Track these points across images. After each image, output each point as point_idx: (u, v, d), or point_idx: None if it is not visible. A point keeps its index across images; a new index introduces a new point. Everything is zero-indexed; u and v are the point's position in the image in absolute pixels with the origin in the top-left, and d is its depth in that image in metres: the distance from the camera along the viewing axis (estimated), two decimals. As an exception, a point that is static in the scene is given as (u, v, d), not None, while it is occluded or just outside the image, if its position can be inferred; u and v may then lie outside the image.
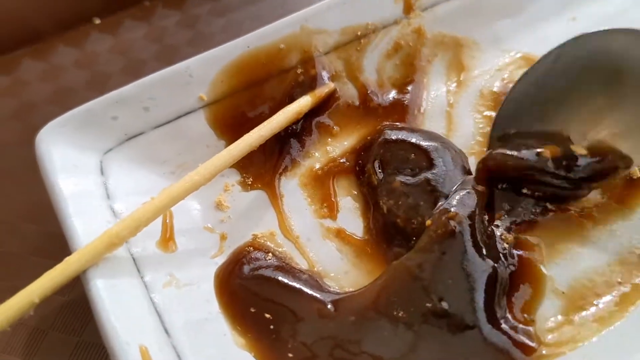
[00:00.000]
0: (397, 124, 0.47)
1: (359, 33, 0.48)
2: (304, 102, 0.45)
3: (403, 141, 0.43)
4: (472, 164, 0.44)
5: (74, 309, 0.43)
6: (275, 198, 0.44)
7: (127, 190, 0.42)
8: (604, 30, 0.42)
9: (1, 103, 0.55)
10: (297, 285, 0.39)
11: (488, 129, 0.46)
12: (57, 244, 0.46)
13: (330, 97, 0.47)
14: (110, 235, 0.36)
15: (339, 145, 0.46)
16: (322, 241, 0.42)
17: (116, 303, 0.35)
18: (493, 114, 0.47)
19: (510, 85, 0.48)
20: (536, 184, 0.40)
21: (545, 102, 0.43)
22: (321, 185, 0.44)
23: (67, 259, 0.35)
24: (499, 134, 0.44)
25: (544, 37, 0.50)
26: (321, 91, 0.46)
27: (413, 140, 0.43)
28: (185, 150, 0.45)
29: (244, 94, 0.46)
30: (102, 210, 0.40)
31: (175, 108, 0.45)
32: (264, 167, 0.45)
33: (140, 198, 0.41)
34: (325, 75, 0.47)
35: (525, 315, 0.37)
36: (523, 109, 0.44)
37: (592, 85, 0.42)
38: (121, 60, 0.57)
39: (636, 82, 0.41)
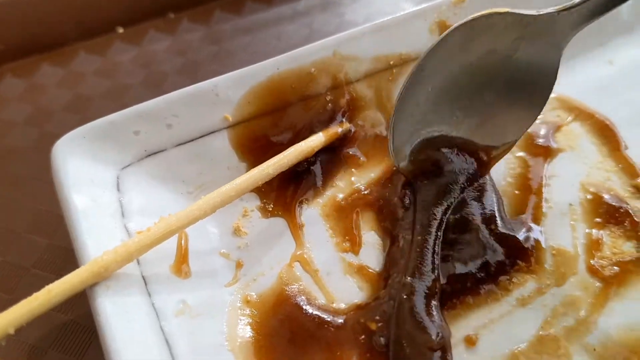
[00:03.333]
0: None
1: (391, 62, 0.47)
2: (316, 141, 0.43)
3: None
4: (506, 204, 0.42)
5: (75, 329, 0.41)
6: (295, 227, 0.42)
7: (143, 208, 0.40)
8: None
9: (16, 108, 0.54)
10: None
11: (519, 170, 0.44)
12: (62, 258, 0.45)
13: (346, 136, 0.46)
14: (99, 265, 0.34)
15: (364, 176, 0.45)
16: (342, 276, 0.40)
17: (124, 328, 0.33)
18: (525, 154, 0.45)
19: (543, 126, 0.47)
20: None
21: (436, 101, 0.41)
22: (344, 217, 0.43)
23: (49, 287, 0.33)
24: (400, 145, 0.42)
25: (579, 79, 0.49)
26: (335, 129, 0.45)
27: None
28: (205, 170, 0.43)
29: (270, 117, 0.44)
30: (116, 229, 0.38)
31: (198, 127, 0.43)
32: (285, 194, 0.43)
33: (156, 218, 0.39)
34: (340, 115, 0.46)
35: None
36: (415, 115, 0.42)
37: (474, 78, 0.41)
38: (142, 71, 0.56)
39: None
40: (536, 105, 0.40)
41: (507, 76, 0.40)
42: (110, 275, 0.35)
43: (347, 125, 0.46)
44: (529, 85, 0.40)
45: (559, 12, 0.37)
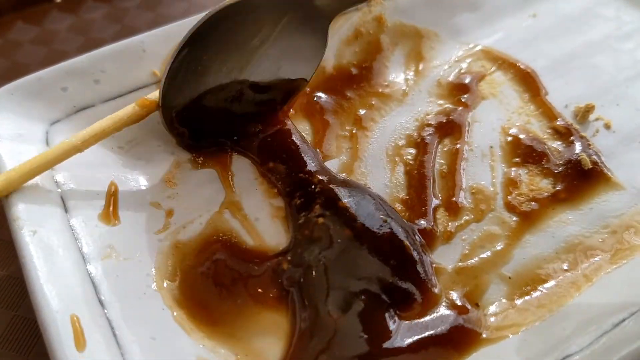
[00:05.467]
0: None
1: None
2: (128, 111, 0.41)
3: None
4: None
5: (12, 283, 0.41)
6: (225, 177, 0.43)
7: (72, 162, 0.40)
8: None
9: (-48, 76, 0.54)
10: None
11: (445, 118, 0.46)
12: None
13: None
14: None
15: (294, 127, 0.46)
16: (270, 220, 0.41)
17: (49, 271, 0.33)
18: (448, 104, 0.47)
19: (467, 76, 0.49)
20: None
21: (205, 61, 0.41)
22: (273, 166, 0.44)
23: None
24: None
25: (503, 32, 0.51)
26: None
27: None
28: (135, 125, 0.43)
29: (199, 72, 0.45)
30: (44, 180, 0.39)
31: (126, 82, 0.44)
32: (216, 146, 0.44)
33: (86, 171, 0.40)
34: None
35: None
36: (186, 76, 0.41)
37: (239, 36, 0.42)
38: (79, 39, 0.56)
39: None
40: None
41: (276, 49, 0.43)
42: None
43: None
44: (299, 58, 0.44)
45: None
